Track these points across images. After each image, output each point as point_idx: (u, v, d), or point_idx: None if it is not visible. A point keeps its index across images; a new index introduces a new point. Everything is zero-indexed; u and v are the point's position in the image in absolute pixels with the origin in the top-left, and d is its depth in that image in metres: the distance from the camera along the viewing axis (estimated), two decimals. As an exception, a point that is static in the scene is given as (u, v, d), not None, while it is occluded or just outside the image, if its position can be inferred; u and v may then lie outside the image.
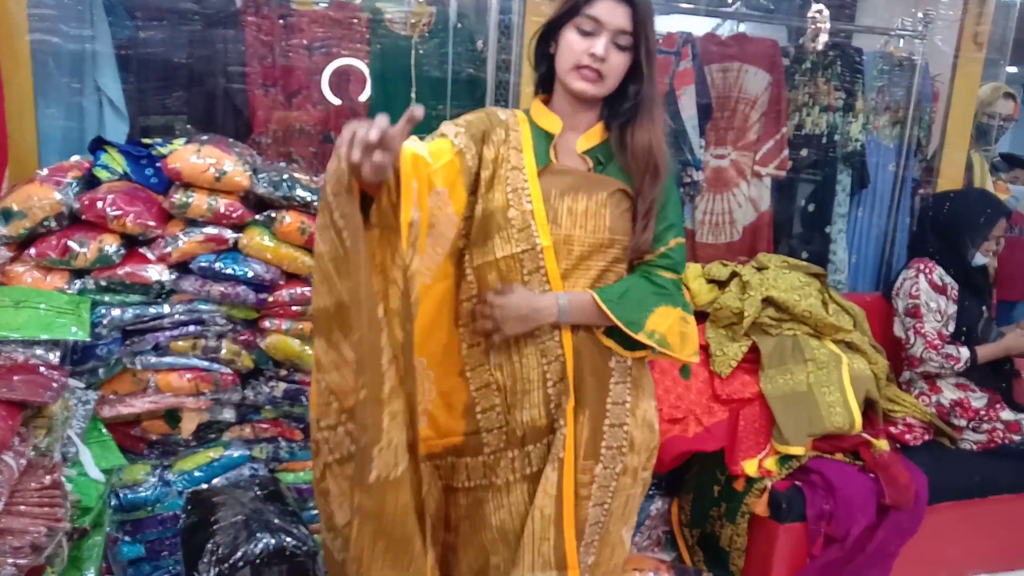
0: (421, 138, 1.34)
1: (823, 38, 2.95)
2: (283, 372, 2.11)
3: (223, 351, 2.03)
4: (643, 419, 1.50)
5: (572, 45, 1.37)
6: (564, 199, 1.40)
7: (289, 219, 2.00)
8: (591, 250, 1.42)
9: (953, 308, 2.59)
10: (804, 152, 3.10)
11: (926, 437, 2.56)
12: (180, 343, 2.01)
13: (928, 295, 2.57)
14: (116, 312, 1.93)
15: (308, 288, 2.06)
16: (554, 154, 1.45)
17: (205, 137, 2.09)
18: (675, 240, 1.47)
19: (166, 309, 1.98)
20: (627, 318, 1.39)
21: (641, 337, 1.39)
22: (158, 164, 2.02)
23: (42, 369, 1.62)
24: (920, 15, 3.19)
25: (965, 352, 2.51)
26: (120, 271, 1.92)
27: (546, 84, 1.50)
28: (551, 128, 1.46)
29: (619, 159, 1.45)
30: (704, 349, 2.49)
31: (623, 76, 1.41)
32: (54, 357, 1.71)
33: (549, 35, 1.44)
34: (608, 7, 1.35)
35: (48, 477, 1.42)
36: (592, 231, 1.41)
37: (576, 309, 1.39)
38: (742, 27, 3.06)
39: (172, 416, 2.06)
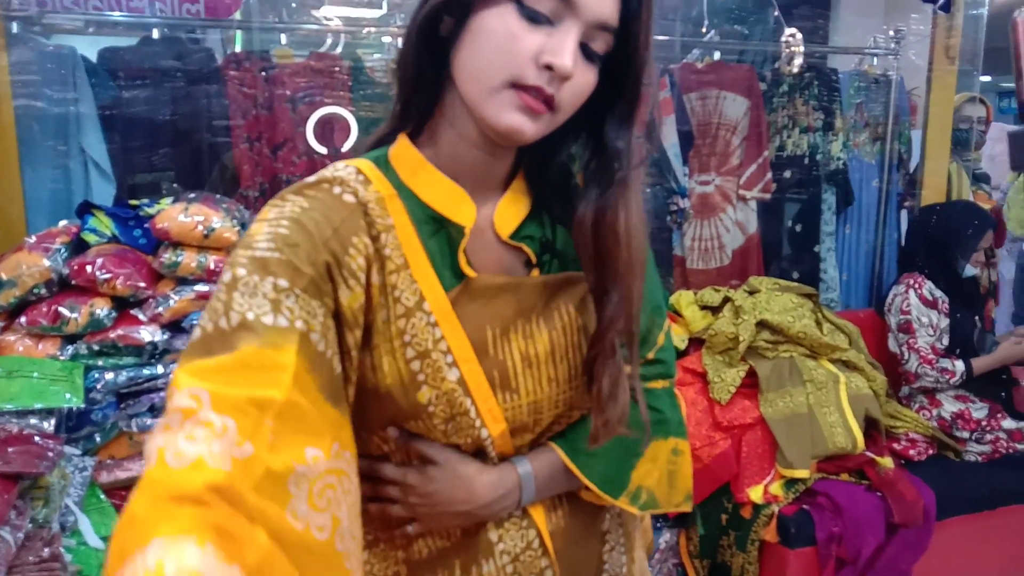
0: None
1: (798, 61, 2.99)
2: (281, 426, 2.09)
3: (219, 408, 2.01)
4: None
5: (508, 40, 0.69)
6: (510, 342, 0.77)
7: (280, 272, 2.00)
8: (567, 406, 0.83)
9: (945, 321, 2.59)
10: (788, 173, 3.13)
11: (930, 451, 2.55)
12: (175, 403, 2.00)
13: (919, 310, 2.57)
14: (110, 376, 1.91)
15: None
16: (465, 260, 0.77)
17: (192, 195, 2.10)
18: (663, 333, 0.91)
19: (160, 370, 1.97)
20: (606, 474, 0.84)
21: (622, 502, 0.86)
22: (146, 225, 2.02)
23: (37, 439, 1.61)
24: (892, 32, 3.24)
25: (960, 365, 2.51)
26: (112, 334, 1.91)
27: (418, 106, 0.79)
28: (457, 216, 0.77)
29: (580, 242, 0.79)
30: (702, 376, 2.48)
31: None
32: (49, 426, 1.70)
33: (448, 10, 0.72)
34: None
35: (47, 549, 1.40)
36: (569, 379, 0.81)
37: (543, 480, 0.82)
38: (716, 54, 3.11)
39: (170, 477, 2.03)
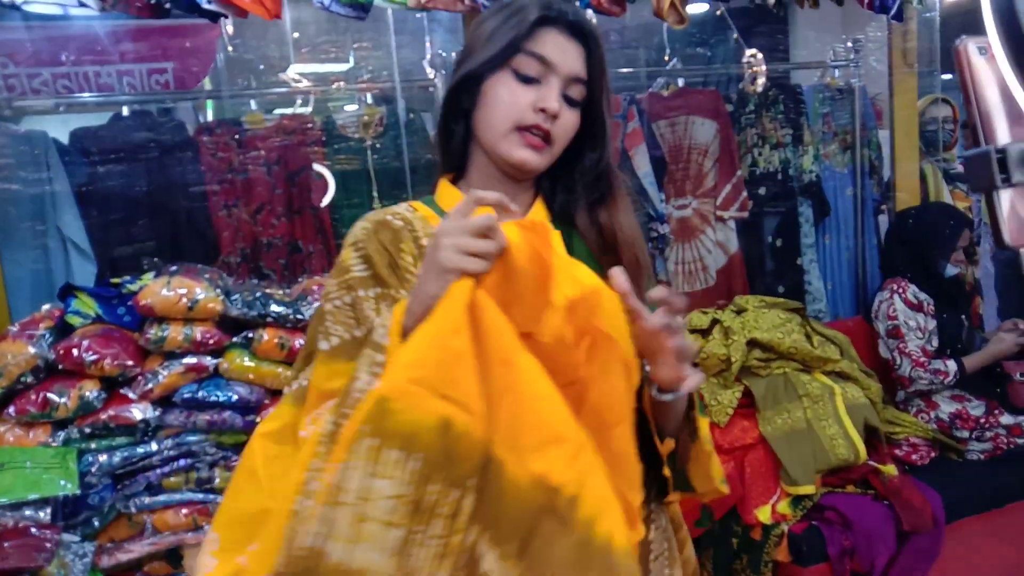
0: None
1: (761, 79, 3.05)
2: (280, 492, 2.07)
3: (217, 480, 1.99)
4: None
5: (511, 96, 0.95)
6: None
7: (267, 336, 2.00)
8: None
9: (933, 323, 2.61)
10: (762, 190, 3.16)
11: (932, 454, 2.55)
12: (172, 479, 1.98)
13: (905, 314, 2.59)
14: (104, 458, 1.90)
15: (295, 403, 2.04)
16: None
17: (173, 268, 2.10)
18: None
19: (154, 447, 1.95)
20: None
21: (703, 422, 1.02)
22: (129, 302, 2.02)
23: (33, 530, 1.59)
24: (850, 43, 3.31)
25: (952, 365, 2.53)
26: (103, 415, 1.90)
27: (454, 158, 1.05)
28: None
29: (598, 253, 1.02)
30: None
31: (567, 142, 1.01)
32: (45, 515, 1.68)
33: (466, 89, 0.99)
34: (559, 43, 0.96)
35: (51, 646, 1.37)
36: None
37: None
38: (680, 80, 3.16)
39: (174, 555, 2.00)
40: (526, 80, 0.95)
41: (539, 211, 1.04)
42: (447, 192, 1.04)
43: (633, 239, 1.02)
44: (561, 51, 0.96)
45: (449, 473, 0.72)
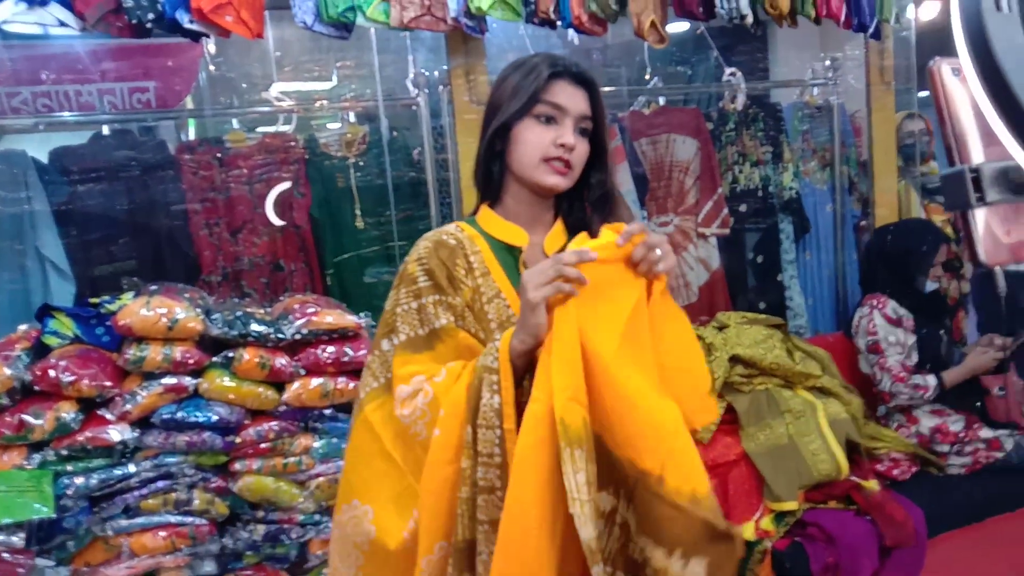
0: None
1: (741, 98, 3.08)
2: (260, 514, 2.05)
3: (196, 502, 1.97)
4: None
5: (537, 137, 1.22)
6: None
7: (247, 356, 1.98)
8: None
9: (912, 338, 2.63)
10: (743, 207, 3.18)
11: (913, 469, 2.56)
12: (150, 501, 1.95)
13: (885, 330, 2.61)
14: (80, 480, 1.87)
15: (275, 423, 2.03)
16: (524, 269, 1.25)
17: (153, 287, 2.08)
18: None
19: (132, 468, 1.93)
20: None
21: None
22: (108, 322, 2.00)
23: (6, 555, 1.56)
24: (828, 62, 3.35)
25: (932, 380, 2.55)
26: (80, 437, 1.87)
27: (492, 190, 1.31)
28: (516, 241, 1.28)
29: None
30: (681, 417, 2.48)
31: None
32: (18, 540, 1.66)
33: (499, 135, 1.25)
34: (568, 91, 1.23)
35: (24, 675, 1.34)
36: None
37: None
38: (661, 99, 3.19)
39: (151, 579, 1.98)
40: (547, 121, 1.22)
41: (559, 225, 1.32)
42: (487, 215, 1.31)
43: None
44: (570, 97, 1.23)
45: (591, 452, 1.02)
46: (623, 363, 1.05)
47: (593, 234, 1.19)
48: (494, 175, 1.29)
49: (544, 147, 1.21)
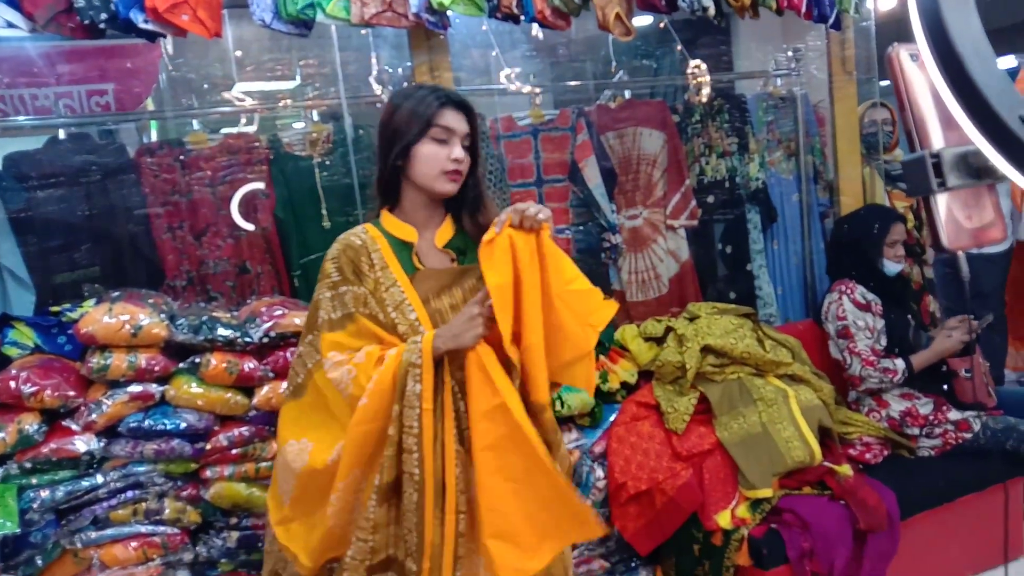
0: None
1: (706, 90, 3.09)
2: (233, 520, 2.02)
3: (167, 511, 1.94)
4: None
5: (434, 154, 1.50)
6: (441, 298, 1.52)
7: (214, 361, 1.95)
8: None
9: (881, 323, 2.66)
10: (711, 198, 3.20)
11: (885, 452, 2.60)
12: (120, 511, 1.92)
13: (854, 314, 2.64)
14: (46, 493, 1.83)
15: (245, 428, 2.00)
16: (417, 260, 1.55)
17: (116, 294, 2.04)
18: None
19: (100, 479, 1.90)
20: None
21: None
22: (70, 331, 1.95)
23: (-30, 574, 1.51)
24: (791, 53, 3.38)
25: (900, 363, 2.58)
26: (45, 449, 1.84)
27: (389, 197, 1.58)
28: (409, 238, 1.55)
29: (474, 238, 1.56)
30: (655, 408, 2.49)
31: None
32: (-17, 557, 1.61)
33: (400, 154, 1.52)
34: (454, 117, 1.52)
35: None
36: None
37: None
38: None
39: (122, 591, 1.94)
40: (440, 143, 1.51)
41: (448, 222, 1.61)
42: (387, 218, 1.58)
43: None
44: (457, 120, 1.52)
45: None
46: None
47: (467, 227, 1.58)
48: (392, 185, 1.56)
49: (441, 162, 1.50)
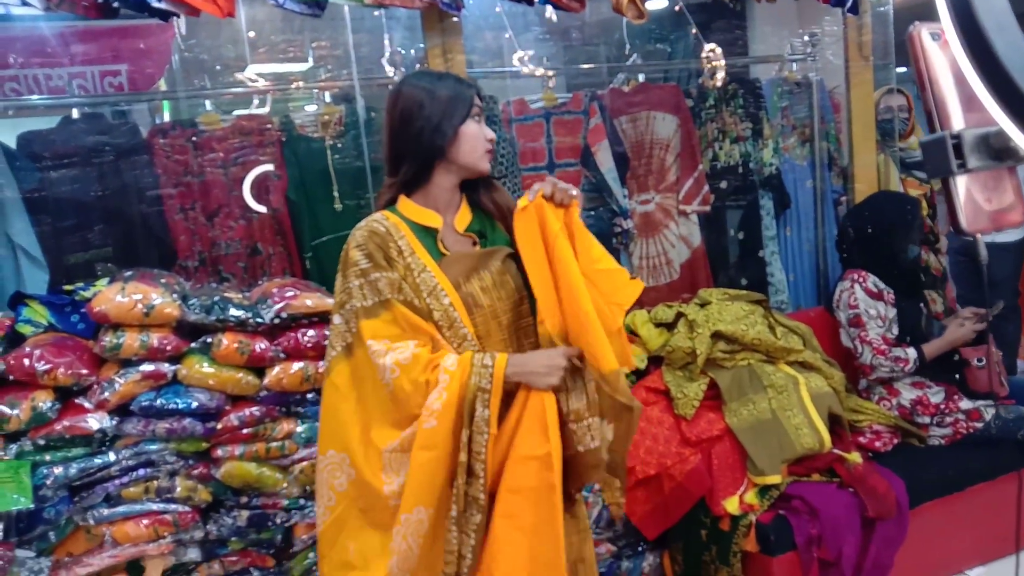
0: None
1: (720, 74, 3.06)
2: (244, 499, 2.03)
3: (178, 489, 1.95)
4: None
5: (478, 133, 1.51)
6: (472, 282, 1.49)
7: (226, 341, 1.96)
8: (514, 314, 1.53)
9: (892, 312, 2.65)
10: (724, 184, 3.18)
11: (895, 441, 2.59)
12: (132, 489, 1.93)
13: (866, 303, 2.63)
14: (59, 470, 1.84)
15: (256, 408, 2.01)
16: (442, 246, 1.52)
17: (128, 273, 2.05)
18: None
19: (112, 457, 1.91)
20: None
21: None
22: (83, 309, 1.96)
23: (-15, 548, 1.53)
24: (807, 37, 3.34)
25: (912, 352, 2.57)
26: (58, 426, 1.85)
27: (412, 183, 1.53)
28: (433, 223, 1.52)
29: (500, 222, 1.59)
30: (665, 394, 2.49)
31: None
32: (-3, 532, 1.63)
33: (444, 136, 1.48)
34: (477, 97, 1.54)
35: (5, 667, 1.33)
36: (507, 297, 1.51)
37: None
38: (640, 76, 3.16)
39: (135, 567, 1.96)
40: (478, 122, 1.52)
41: (465, 206, 1.58)
42: (406, 204, 1.54)
43: (512, 206, 1.52)
44: (479, 101, 1.54)
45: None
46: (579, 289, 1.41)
47: (487, 206, 1.58)
48: (424, 170, 1.51)
49: (483, 141, 1.51)
